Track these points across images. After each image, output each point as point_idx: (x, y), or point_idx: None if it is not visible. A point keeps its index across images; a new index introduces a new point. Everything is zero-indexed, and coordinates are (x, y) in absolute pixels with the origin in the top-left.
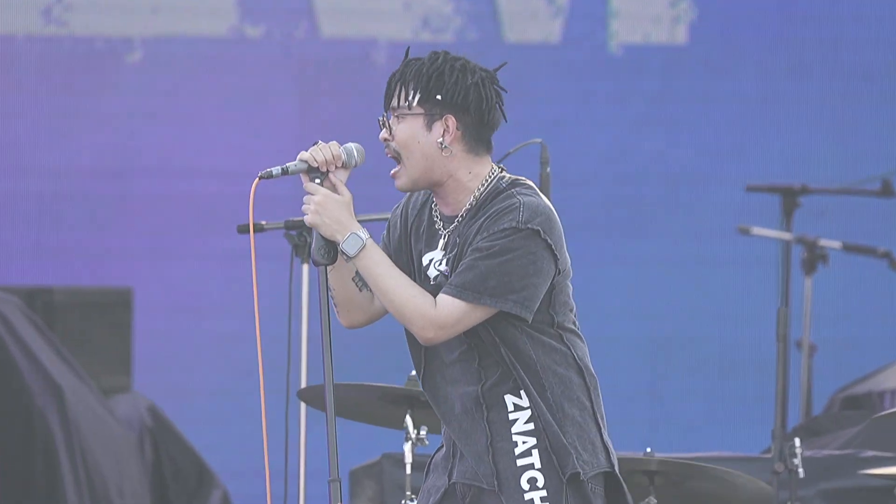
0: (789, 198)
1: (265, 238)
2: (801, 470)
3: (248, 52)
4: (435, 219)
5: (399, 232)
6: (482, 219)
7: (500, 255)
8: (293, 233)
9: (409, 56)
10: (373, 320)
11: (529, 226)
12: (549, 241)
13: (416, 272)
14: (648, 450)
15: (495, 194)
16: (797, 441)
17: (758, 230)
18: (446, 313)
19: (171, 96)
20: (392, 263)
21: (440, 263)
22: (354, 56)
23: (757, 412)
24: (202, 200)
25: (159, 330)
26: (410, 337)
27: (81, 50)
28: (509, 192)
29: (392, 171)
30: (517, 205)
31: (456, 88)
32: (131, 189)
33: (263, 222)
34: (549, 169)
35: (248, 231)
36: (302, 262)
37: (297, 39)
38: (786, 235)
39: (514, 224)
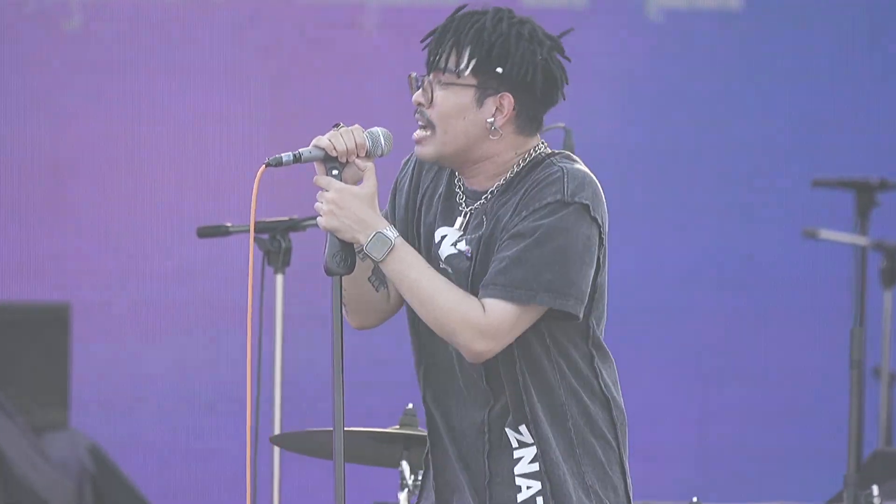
0: (865, 194)
1: (231, 244)
2: None
3: (210, 17)
4: (456, 189)
5: (406, 197)
6: (520, 193)
7: (549, 238)
8: (264, 236)
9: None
10: (385, 320)
11: (577, 199)
12: (598, 219)
13: (422, 249)
14: (695, 500)
15: (531, 166)
16: (875, 489)
17: (827, 233)
18: (499, 320)
19: (116, 72)
20: (427, 264)
21: (456, 242)
22: (338, 22)
23: (826, 453)
24: (154, 200)
25: (102, 354)
26: (412, 322)
27: (8, 15)
28: (548, 161)
29: (417, 135)
30: (559, 174)
31: (522, 65)
32: (68, 186)
33: (228, 224)
34: None
35: (210, 234)
36: (275, 273)
37: (268, 2)
38: (861, 240)
39: (559, 196)
